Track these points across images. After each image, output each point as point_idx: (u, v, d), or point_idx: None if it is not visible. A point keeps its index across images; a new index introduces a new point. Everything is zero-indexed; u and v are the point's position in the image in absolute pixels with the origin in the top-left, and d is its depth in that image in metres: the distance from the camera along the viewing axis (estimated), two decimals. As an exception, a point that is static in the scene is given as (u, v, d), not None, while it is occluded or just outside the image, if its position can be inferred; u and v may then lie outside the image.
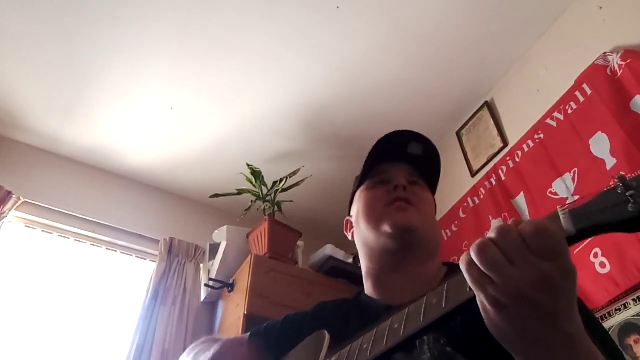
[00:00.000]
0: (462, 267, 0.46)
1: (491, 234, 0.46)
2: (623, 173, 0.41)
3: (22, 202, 2.38)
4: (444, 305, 0.47)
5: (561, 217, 0.44)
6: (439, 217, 2.31)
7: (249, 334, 0.95)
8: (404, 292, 0.78)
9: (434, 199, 0.96)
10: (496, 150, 2.26)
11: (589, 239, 1.60)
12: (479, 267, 0.45)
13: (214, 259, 2.50)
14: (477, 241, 0.46)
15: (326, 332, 0.72)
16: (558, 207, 0.45)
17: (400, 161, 0.92)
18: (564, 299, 0.44)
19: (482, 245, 0.45)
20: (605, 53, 1.80)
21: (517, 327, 0.44)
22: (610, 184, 0.41)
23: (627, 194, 0.39)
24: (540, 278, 0.43)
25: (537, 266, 0.43)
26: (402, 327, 0.53)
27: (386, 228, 0.83)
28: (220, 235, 2.54)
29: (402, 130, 0.92)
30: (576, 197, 1.75)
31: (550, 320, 0.43)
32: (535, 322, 0.44)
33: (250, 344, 0.92)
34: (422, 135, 0.92)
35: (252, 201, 2.53)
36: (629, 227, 0.40)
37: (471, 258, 0.46)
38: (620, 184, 0.40)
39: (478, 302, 0.46)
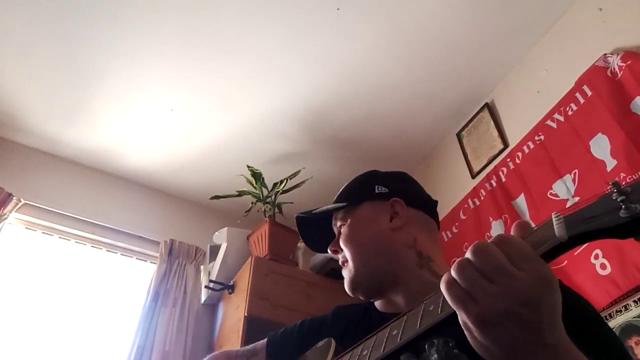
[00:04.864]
0: (442, 287, 0.47)
1: (468, 254, 0.46)
2: (617, 179, 0.42)
3: (23, 204, 2.38)
4: (439, 312, 0.47)
5: (555, 223, 0.44)
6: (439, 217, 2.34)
7: (266, 339, 0.97)
8: (411, 303, 0.79)
9: (374, 203, 0.92)
10: (496, 151, 2.26)
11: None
12: (460, 287, 0.45)
13: (215, 260, 2.50)
14: (457, 261, 0.46)
15: (332, 340, 0.74)
16: (553, 213, 0.45)
17: (315, 236, 1.00)
18: (546, 310, 0.44)
19: (461, 264, 0.46)
20: (605, 54, 1.80)
21: (502, 345, 0.44)
22: (606, 190, 0.42)
23: (619, 200, 0.40)
24: (519, 290, 0.43)
25: (513, 279, 0.43)
26: (400, 333, 0.53)
27: None
28: (221, 237, 2.54)
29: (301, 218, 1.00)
30: (576, 199, 1.75)
31: (534, 334, 0.43)
32: (519, 337, 0.43)
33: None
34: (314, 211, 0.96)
35: (252, 203, 2.53)
36: (621, 233, 0.40)
37: (452, 277, 0.46)
38: (615, 190, 0.40)
39: (460, 322, 0.46)
